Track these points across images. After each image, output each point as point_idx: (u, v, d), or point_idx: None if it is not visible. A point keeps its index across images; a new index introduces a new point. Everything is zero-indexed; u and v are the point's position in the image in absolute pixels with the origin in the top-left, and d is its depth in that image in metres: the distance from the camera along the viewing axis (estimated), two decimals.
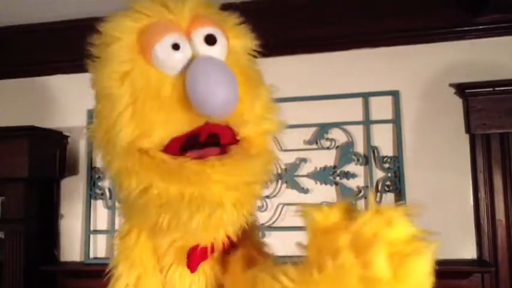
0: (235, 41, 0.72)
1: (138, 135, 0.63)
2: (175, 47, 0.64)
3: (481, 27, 1.76)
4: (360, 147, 1.85)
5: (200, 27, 0.67)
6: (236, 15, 0.75)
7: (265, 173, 0.70)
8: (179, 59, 0.64)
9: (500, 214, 1.71)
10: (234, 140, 0.68)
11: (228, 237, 0.69)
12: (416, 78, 1.82)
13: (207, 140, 0.65)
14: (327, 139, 1.86)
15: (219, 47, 0.67)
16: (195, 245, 0.68)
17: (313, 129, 1.87)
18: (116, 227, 1.95)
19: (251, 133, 0.69)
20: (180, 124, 0.63)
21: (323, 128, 1.86)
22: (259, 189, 0.70)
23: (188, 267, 0.69)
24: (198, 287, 0.70)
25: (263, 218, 1.83)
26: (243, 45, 0.74)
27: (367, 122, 1.83)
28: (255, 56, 0.75)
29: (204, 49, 0.66)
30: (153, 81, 0.64)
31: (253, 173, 0.66)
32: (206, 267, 0.70)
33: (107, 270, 0.73)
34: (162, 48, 0.64)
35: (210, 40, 0.66)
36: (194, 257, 0.69)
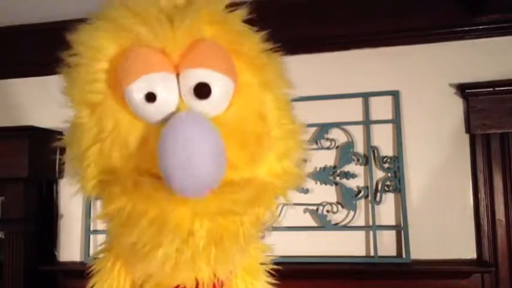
0: (251, 74, 0.56)
1: (106, 175, 0.55)
2: (150, 97, 0.50)
3: (481, 27, 1.76)
4: (360, 147, 1.85)
5: (192, 67, 0.51)
6: (261, 36, 0.58)
7: (256, 204, 0.55)
8: (154, 110, 0.51)
9: (500, 214, 1.71)
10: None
11: (218, 278, 0.57)
12: (416, 78, 1.81)
13: None
14: (327, 139, 1.86)
15: (214, 98, 0.51)
16: (174, 286, 0.57)
17: (313, 129, 1.87)
18: None
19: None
20: (154, 174, 0.51)
21: (323, 128, 1.86)
22: (252, 224, 0.55)
23: None
24: None
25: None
26: (263, 80, 0.58)
27: (367, 122, 1.83)
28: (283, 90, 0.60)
29: (192, 102, 0.51)
30: (123, 126, 0.53)
31: (234, 217, 0.52)
32: None
33: (88, 286, 0.66)
34: (135, 92, 0.50)
35: (201, 91, 0.51)
36: None
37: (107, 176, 0.55)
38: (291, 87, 0.63)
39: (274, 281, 0.72)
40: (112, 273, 0.63)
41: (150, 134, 0.51)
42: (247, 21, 0.59)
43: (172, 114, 0.50)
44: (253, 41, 0.58)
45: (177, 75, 0.52)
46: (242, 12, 0.57)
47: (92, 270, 0.66)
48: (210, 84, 0.51)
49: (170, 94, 0.51)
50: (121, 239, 0.56)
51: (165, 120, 0.50)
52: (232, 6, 0.57)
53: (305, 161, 0.62)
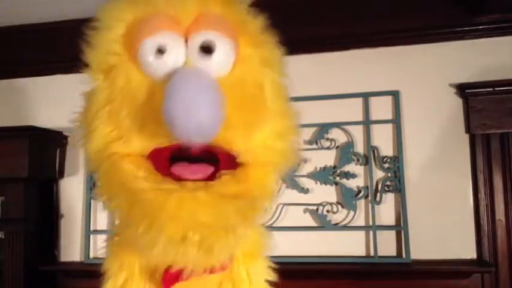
0: (252, 49, 0.62)
1: (115, 138, 0.58)
2: (161, 50, 0.55)
3: (481, 27, 1.76)
4: (360, 147, 1.85)
5: (199, 31, 0.57)
6: (262, 18, 0.64)
7: (245, 217, 0.57)
8: (163, 64, 0.56)
9: (500, 214, 1.71)
10: (234, 162, 0.59)
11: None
12: (416, 78, 1.81)
13: (202, 155, 0.56)
14: (327, 139, 1.86)
15: (218, 57, 0.57)
16: (168, 266, 0.61)
17: (313, 129, 1.87)
18: None
19: (249, 162, 0.59)
20: (159, 136, 0.56)
21: (323, 128, 1.86)
22: (240, 229, 0.57)
23: None
24: None
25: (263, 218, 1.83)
26: (262, 56, 0.63)
27: (367, 122, 1.83)
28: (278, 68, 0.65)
29: (197, 59, 0.56)
30: (133, 82, 0.57)
31: (227, 218, 0.54)
32: None
33: (102, 271, 0.69)
34: (147, 48, 0.56)
35: (206, 49, 0.56)
36: (167, 277, 0.62)
37: (115, 143, 0.58)
38: (285, 71, 0.68)
39: (274, 266, 0.74)
40: (124, 251, 0.67)
41: (157, 89, 0.55)
42: (251, 10, 0.65)
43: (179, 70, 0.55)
44: (256, 22, 0.64)
45: (186, 40, 0.57)
46: (259, 16, 0.64)
47: (108, 245, 0.71)
48: (215, 43, 0.56)
49: (178, 52, 0.56)
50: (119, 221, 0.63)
51: (170, 76, 0.54)
52: None
53: (300, 151, 0.64)
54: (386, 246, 1.77)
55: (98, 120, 0.58)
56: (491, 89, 1.70)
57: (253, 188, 0.59)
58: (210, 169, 0.58)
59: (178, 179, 0.56)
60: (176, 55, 0.56)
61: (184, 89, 0.50)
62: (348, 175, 1.83)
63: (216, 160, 0.58)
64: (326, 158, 1.86)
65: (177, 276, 0.60)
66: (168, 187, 0.54)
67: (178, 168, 0.57)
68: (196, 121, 0.49)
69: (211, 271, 0.61)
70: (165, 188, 0.54)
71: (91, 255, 1.97)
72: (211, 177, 0.57)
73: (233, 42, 0.59)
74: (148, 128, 0.56)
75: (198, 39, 0.57)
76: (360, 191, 1.82)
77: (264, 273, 0.73)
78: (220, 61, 0.57)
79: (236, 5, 0.63)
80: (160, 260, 0.59)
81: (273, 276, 0.74)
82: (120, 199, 0.56)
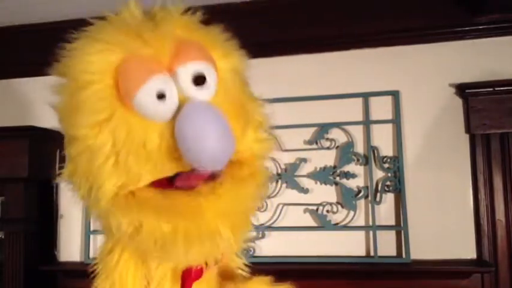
0: (223, 62, 0.65)
1: (122, 185, 0.58)
2: (161, 96, 0.57)
3: (481, 27, 1.76)
4: (360, 147, 1.85)
5: (186, 63, 0.59)
6: (220, 29, 0.68)
7: (259, 197, 0.66)
8: (165, 108, 0.57)
9: (500, 214, 1.71)
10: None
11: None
12: (416, 78, 1.81)
13: None
14: (327, 139, 1.86)
15: (209, 85, 0.60)
16: (188, 267, 0.65)
17: (313, 129, 1.87)
18: None
19: (243, 156, 0.65)
20: (169, 171, 0.59)
21: (323, 128, 1.86)
22: (254, 210, 0.68)
23: None
24: None
25: (263, 218, 1.83)
26: (232, 66, 0.67)
27: (367, 122, 1.83)
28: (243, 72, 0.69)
29: (193, 92, 0.59)
30: (137, 131, 0.57)
31: (247, 200, 0.63)
32: (201, 286, 0.67)
33: None
34: (145, 97, 0.56)
35: (199, 81, 0.59)
36: (189, 279, 0.66)
37: (123, 187, 0.59)
38: (248, 68, 0.72)
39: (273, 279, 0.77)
40: (115, 270, 0.67)
41: (164, 130, 0.57)
42: (205, 22, 0.69)
43: (178, 108, 0.57)
44: (218, 36, 0.67)
45: (171, 75, 0.59)
46: (198, 17, 0.67)
47: (97, 267, 0.71)
48: (203, 73, 0.60)
49: (172, 91, 0.58)
50: (143, 251, 0.63)
51: (174, 115, 0.57)
52: (188, 11, 0.67)
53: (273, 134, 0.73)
54: (386, 246, 1.77)
55: (103, 175, 0.58)
56: (491, 89, 1.70)
57: (251, 173, 0.66)
58: (205, 175, 0.61)
59: (186, 189, 0.59)
60: (172, 93, 0.58)
61: (198, 124, 0.54)
62: (348, 175, 1.83)
63: None
64: (326, 158, 1.86)
65: (199, 274, 0.66)
66: (188, 195, 0.59)
67: (182, 180, 0.60)
68: (217, 151, 0.54)
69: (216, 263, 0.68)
70: (186, 197, 0.58)
71: (91, 255, 1.96)
72: (211, 176, 0.61)
73: (214, 64, 0.63)
74: (160, 165, 0.58)
75: (187, 73, 0.59)
76: (359, 191, 1.82)
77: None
78: (210, 87, 0.61)
79: (198, 25, 0.66)
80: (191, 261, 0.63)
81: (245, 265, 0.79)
82: (150, 223, 0.58)
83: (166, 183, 0.60)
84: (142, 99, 0.56)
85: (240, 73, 0.69)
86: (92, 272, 0.71)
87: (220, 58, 0.65)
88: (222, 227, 0.58)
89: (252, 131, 0.67)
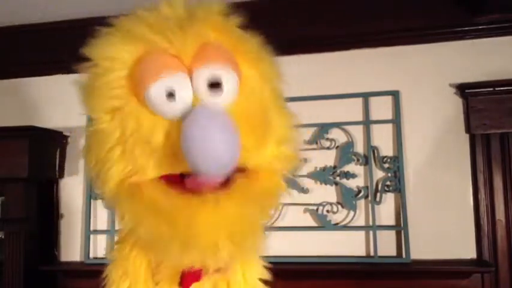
0: (250, 68, 0.64)
1: (130, 173, 0.60)
2: (171, 95, 0.57)
3: (481, 27, 1.76)
4: (360, 147, 1.85)
5: (204, 66, 0.58)
6: (256, 37, 0.66)
7: (266, 214, 0.65)
8: (174, 107, 0.58)
9: (500, 214, 1.71)
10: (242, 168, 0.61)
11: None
12: (416, 78, 1.82)
13: None
14: (327, 139, 1.86)
15: (226, 91, 0.59)
16: (189, 266, 0.64)
17: (313, 129, 1.87)
18: (116, 227, 1.95)
19: (260, 170, 0.64)
20: (174, 168, 0.59)
21: (323, 128, 1.86)
22: (260, 225, 0.65)
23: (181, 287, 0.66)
24: None
25: None
26: (261, 73, 0.65)
27: (367, 122, 1.83)
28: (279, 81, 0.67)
29: (206, 95, 0.58)
30: (145, 124, 0.58)
31: (251, 215, 0.61)
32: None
33: (103, 275, 0.71)
34: (156, 93, 0.57)
35: (214, 84, 0.58)
36: (188, 278, 0.65)
37: (130, 174, 0.60)
38: (283, 80, 0.70)
39: (268, 265, 0.78)
40: (128, 259, 0.68)
41: (171, 128, 0.57)
42: (243, 26, 0.67)
43: (189, 109, 0.57)
44: (249, 41, 0.66)
45: (190, 75, 0.59)
46: (237, 19, 0.66)
47: (109, 260, 0.71)
48: (221, 78, 0.58)
49: (186, 92, 0.58)
50: (144, 243, 0.64)
51: (183, 115, 0.56)
52: (229, 12, 0.66)
53: (301, 151, 0.70)
54: (386, 246, 1.77)
55: (111, 160, 0.60)
56: (491, 89, 1.70)
57: (266, 186, 0.64)
58: (218, 179, 0.59)
59: (194, 191, 0.58)
60: (185, 94, 0.58)
61: (202, 128, 0.52)
62: (348, 175, 1.83)
63: None
64: (326, 158, 1.86)
65: (198, 275, 0.65)
66: (192, 201, 0.57)
67: (192, 182, 0.59)
68: (216, 158, 0.52)
69: (218, 270, 0.66)
70: (189, 202, 0.57)
71: (91, 255, 1.97)
72: (225, 182, 0.60)
73: (237, 70, 0.61)
74: (164, 162, 0.58)
75: (204, 76, 0.58)
76: (359, 191, 1.82)
77: (259, 273, 0.77)
78: (228, 92, 0.60)
79: (232, 28, 0.65)
80: (188, 263, 0.62)
81: (267, 276, 0.77)
82: (149, 222, 0.58)
83: (177, 179, 0.59)
84: (153, 95, 0.57)
85: (271, 82, 0.67)
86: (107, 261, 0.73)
87: (248, 64, 0.64)
88: (220, 238, 0.57)
89: (273, 145, 0.65)
